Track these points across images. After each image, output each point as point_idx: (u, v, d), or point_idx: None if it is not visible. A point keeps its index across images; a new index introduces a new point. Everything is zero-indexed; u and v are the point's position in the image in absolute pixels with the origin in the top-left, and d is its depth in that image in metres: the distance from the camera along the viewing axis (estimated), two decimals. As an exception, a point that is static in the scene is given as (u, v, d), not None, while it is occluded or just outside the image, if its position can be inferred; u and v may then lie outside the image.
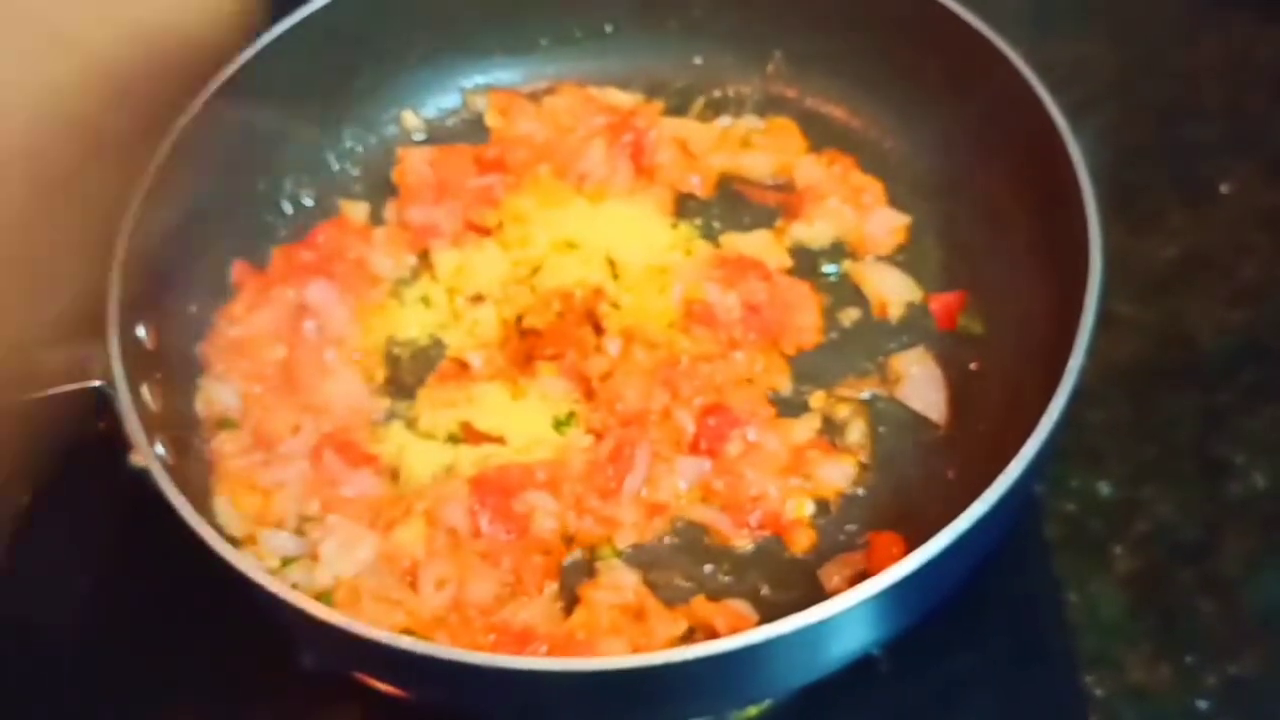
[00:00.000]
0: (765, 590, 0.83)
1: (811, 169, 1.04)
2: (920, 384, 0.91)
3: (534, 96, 1.12)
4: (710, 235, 1.02)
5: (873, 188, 1.02)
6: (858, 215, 1.00)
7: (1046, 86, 0.88)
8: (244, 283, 0.98)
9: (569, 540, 0.87)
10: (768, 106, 1.09)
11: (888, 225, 1.00)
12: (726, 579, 0.84)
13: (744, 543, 0.86)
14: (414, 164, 1.07)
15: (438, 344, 0.98)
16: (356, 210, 1.05)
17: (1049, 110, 0.87)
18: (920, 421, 0.91)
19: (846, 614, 0.66)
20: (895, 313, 0.96)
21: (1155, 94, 1.15)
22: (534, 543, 0.86)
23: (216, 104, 0.94)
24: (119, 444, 0.78)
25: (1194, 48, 1.19)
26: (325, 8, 1.01)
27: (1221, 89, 1.16)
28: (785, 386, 0.93)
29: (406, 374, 0.96)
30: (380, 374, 0.96)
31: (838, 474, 0.88)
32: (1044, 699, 0.84)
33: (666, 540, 0.87)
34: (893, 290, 0.97)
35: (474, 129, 1.11)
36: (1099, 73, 1.16)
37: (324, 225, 1.03)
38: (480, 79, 1.13)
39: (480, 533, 0.85)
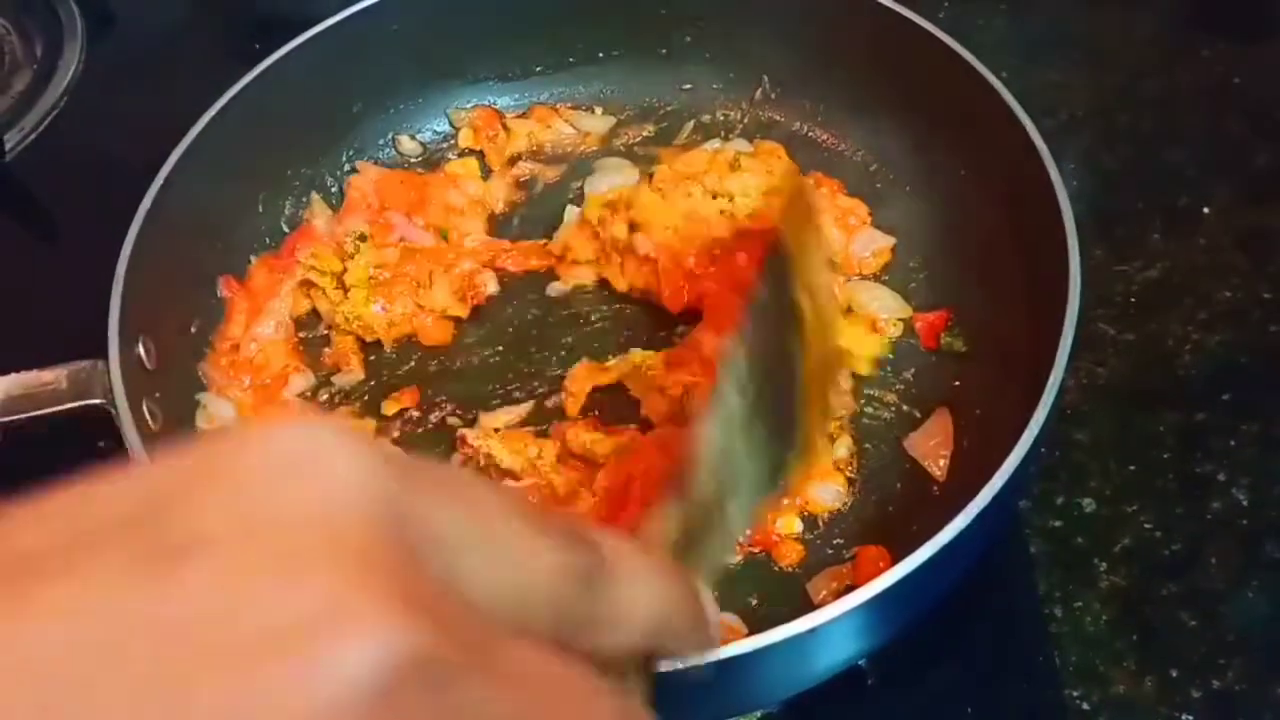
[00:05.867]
0: (754, 603, 0.85)
1: (799, 191, 1.06)
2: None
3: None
4: (700, 256, 1.04)
5: (858, 209, 1.04)
6: (844, 236, 1.02)
7: (1028, 112, 0.90)
8: (232, 297, 0.99)
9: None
10: (756, 131, 1.12)
11: (872, 246, 1.01)
12: (716, 592, 0.85)
13: (734, 559, 0.87)
14: (360, 182, 1.07)
15: (433, 363, 0.99)
16: (321, 220, 1.06)
17: (1031, 135, 0.89)
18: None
19: (833, 624, 0.67)
20: (886, 331, 0.97)
21: (1135, 119, 1.17)
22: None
23: (216, 126, 0.96)
24: (120, 462, 0.79)
25: (1173, 74, 1.21)
26: (321, 34, 1.03)
27: (1201, 114, 1.18)
28: (773, 404, 0.94)
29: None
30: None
31: (826, 492, 0.89)
32: (1028, 711, 0.85)
33: (658, 557, 0.88)
34: (883, 308, 0.98)
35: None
36: (1080, 99, 1.18)
37: (295, 235, 1.04)
38: (475, 103, 1.15)
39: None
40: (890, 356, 0.96)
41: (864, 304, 0.98)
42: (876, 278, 1.01)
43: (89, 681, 0.28)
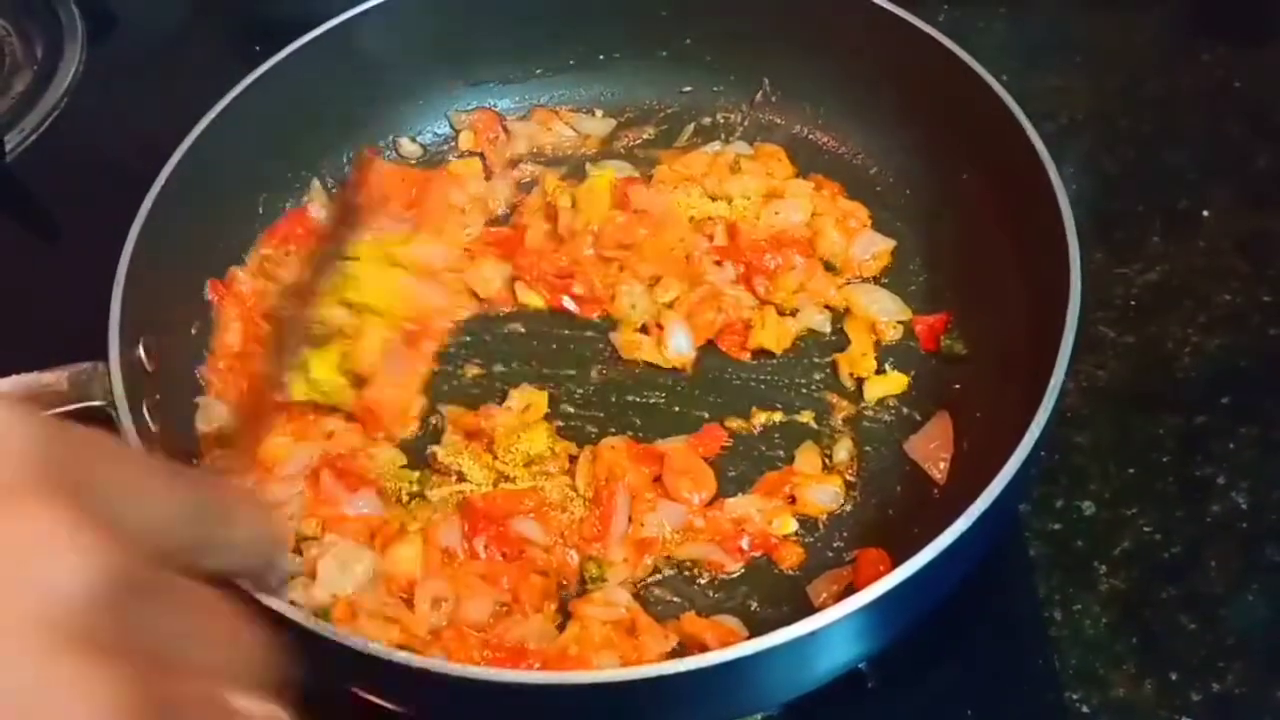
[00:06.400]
0: (755, 606, 0.85)
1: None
2: (905, 404, 0.93)
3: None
4: (699, 259, 1.04)
5: (858, 212, 1.03)
6: (844, 239, 1.02)
7: (1028, 115, 0.91)
8: (219, 301, 0.98)
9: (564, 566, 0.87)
10: (756, 133, 1.12)
11: (872, 249, 1.01)
12: (717, 595, 0.85)
13: (735, 565, 0.87)
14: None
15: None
16: (316, 209, 1.06)
17: (1031, 139, 0.89)
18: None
19: (833, 628, 0.67)
20: (886, 333, 0.97)
21: (1135, 122, 1.17)
22: (531, 564, 0.86)
23: (217, 128, 0.96)
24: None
25: (1173, 77, 1.21)
26: (321, 37, 1.03)
27: (1201, 117, 1.18)
28: (772, 408, 0.94)
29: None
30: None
31: (826, 495, 0.89)
32: (1028, 714, 0.84)
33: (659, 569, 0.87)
34: (883, 310, 0.98)
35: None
36: (1080, 102, 1.18)
37: (284, 220, 1.04)
38: (476, 105, 1.14)
39: (477, 555, 0.86)
40: (908, 391, 0.95)
41: (864, 306, 0.98)
42: (877, 280, 1.01)
43: None
